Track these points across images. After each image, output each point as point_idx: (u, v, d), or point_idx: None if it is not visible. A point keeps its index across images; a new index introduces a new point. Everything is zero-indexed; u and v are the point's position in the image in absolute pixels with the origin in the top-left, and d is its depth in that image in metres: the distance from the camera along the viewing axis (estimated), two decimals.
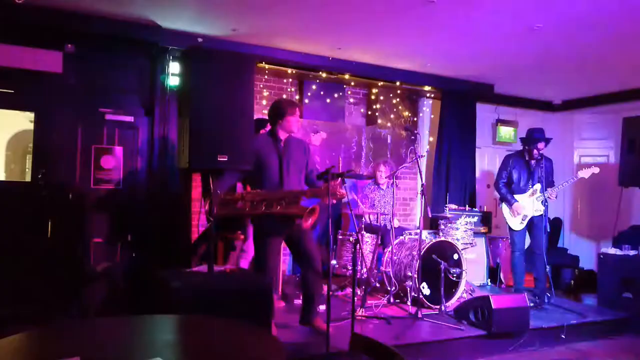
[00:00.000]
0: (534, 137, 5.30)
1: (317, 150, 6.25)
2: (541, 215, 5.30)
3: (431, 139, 7.13)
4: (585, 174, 5.29)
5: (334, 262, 5.22)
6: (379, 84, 6.68)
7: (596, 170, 5.32)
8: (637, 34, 4.80)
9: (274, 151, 3.84)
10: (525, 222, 5.34)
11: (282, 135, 3.90)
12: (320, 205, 3.61)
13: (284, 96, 6.27)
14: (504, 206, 5.47)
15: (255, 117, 5.32)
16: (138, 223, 5.18)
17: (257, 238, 3.88)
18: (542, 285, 5.38)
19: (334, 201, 3.65)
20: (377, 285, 5.35)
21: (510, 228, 5.43)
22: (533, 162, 5.36)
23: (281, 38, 5.37)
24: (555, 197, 5.36)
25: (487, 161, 7.66)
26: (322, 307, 4.38)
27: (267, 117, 4.10)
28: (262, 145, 3.81)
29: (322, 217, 3.99)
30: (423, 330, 4.28)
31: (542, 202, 5.29)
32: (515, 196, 5.38)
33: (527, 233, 5.45)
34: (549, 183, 5.33)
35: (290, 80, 6.40)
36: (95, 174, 5.05)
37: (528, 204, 5.33)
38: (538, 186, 5.32)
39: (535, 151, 5.27)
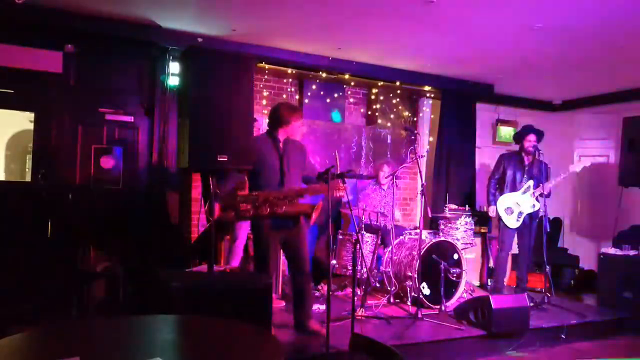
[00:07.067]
0: (523, 131, 5.56)
1: (316, 150, 6.25)
2: (530, 213, 5.43)
3: (431, 139, 7.13)
4: (576, 167, 5.41)
5: (334, 262, 5.22)
6: (379, 84, 6.68)
7: (587, 163, 5.47)
8: (637, 34, 4.80)
9: (275, 152, 3.85)
10: (521, 220, 5.43)
11: (282, 136, 3.92)
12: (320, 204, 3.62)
13: (284, 96, 6.27)
14: (499, 204, 5.54)
15: (254, 117, 5.35)
16: (138, 223, 5.18)
17: (257, 238, 3.88)
18: (523, 285, 5.51)
19: (338, 194, 3.66)
20: (377, 285, 5.34)
21: (504, 226, 5.50)
22: (528, 160, 5.49)
23: (281, 38, 5.37)
24: (547, 194, 5.35)
25: (487, 161, 7.65)
26: (322, 307, 4.38)
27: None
28: (262, 146, 3.82)
29: (322, 217, 3.99)
30: (423, 330, 4.28)
31: (536, 198, 5.41)
32: (510, 194, 5.49)
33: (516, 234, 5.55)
34: (542, 182, 5.43)
35: (290, 80, 6.40)
36: (95, 174, 5.04)
37: (523, 201, 5.42)
38: (531, 182, 5.45)
39: (526, 144, 5.45)
